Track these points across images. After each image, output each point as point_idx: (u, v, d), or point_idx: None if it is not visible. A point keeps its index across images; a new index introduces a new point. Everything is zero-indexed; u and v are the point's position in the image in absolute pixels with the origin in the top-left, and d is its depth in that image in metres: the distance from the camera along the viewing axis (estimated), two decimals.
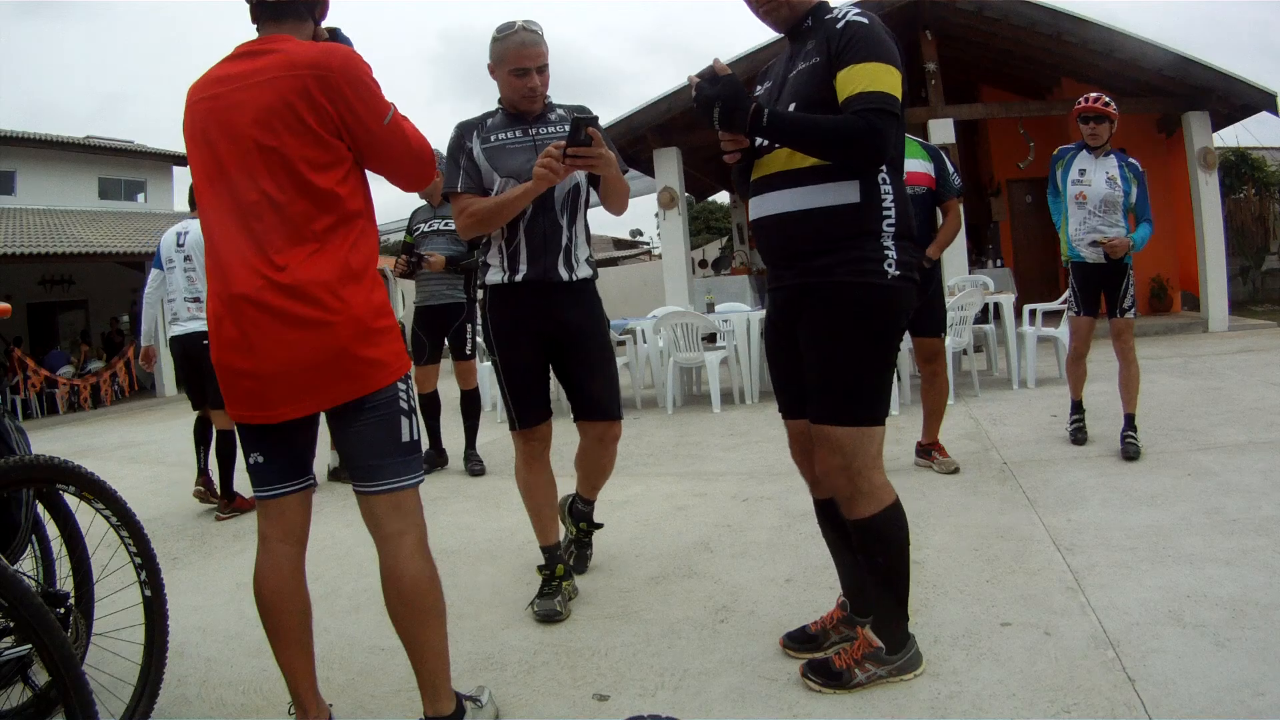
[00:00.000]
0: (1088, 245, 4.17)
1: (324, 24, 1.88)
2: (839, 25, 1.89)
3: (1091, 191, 4.13)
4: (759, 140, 1.98)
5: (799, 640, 2.23)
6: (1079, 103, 4.17)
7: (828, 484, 1.98)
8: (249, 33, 1.85)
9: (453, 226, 4.84)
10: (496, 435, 6.30)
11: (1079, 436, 4.38)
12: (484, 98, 2.71)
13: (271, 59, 1.71)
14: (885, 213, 1.92)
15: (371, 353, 1.74)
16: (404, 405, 1.81)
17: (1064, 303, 4.69)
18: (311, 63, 1.69)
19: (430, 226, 4.92)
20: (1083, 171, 4.17)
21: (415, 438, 1.83)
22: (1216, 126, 10.35)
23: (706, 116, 1.86)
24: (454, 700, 1.85)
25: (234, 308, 1.70)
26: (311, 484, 1.90)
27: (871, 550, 1.99)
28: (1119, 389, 4.15)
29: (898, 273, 1.92)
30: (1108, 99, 4.14)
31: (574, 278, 2.62)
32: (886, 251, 1.91)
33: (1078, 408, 4.46)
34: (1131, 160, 4.18)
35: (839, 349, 1.92)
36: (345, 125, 1.72)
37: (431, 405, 5.11)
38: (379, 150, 1.79)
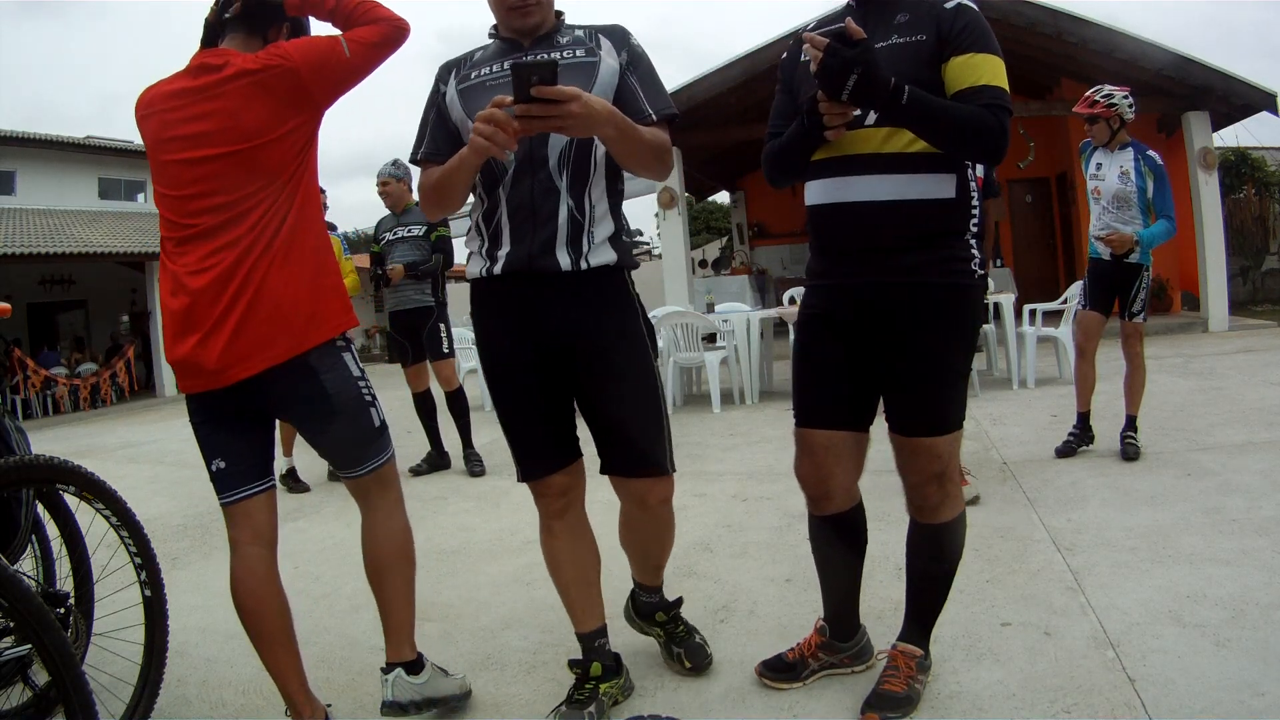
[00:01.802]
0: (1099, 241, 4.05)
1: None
2: (949, 6, 1.74)
3: (1105, 186, 4.02)
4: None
5: (776, 669, 2.09)
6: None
7: (919, 495, 1.89)
8: None
9: (415, 233, 4.89)
10: (496, 435, 6.27)
11: (1068, 448, 4.17)
12: None
13: (224, 71, 1.78)
14: (973, 212, 1.84)
15: (310, 307, 1.82)
16: (367, 398, 1.91)
17: (1063, 302, 4.65)
18: (262, 64, 1.78)
19: (394, 235, 4.97)
20: (1099, 166, 4.08)
21: (383, 420, 1.95)
22: (1216, 126, 10.36)
23: (838, 82, 1.59)
24: (415, 651, 1.96)
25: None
26: (273, 484, 1.94)
27: (941, 554, 1.93)
28: (1123, 390, 4.11)
29: (982, 272, 1.85)
30: (1103, 95, 3.94)
31: (582, 264, 1.81)
32: (973, 251, 1.83)
33: (1082, 421, 4.21)
34: (1150, 153, 3.97)
35: (937, 358, 1.81)
36: (307, 93, 1.80)
37: (426, 404, 5.11)
38: (342, 80, 1.86)
